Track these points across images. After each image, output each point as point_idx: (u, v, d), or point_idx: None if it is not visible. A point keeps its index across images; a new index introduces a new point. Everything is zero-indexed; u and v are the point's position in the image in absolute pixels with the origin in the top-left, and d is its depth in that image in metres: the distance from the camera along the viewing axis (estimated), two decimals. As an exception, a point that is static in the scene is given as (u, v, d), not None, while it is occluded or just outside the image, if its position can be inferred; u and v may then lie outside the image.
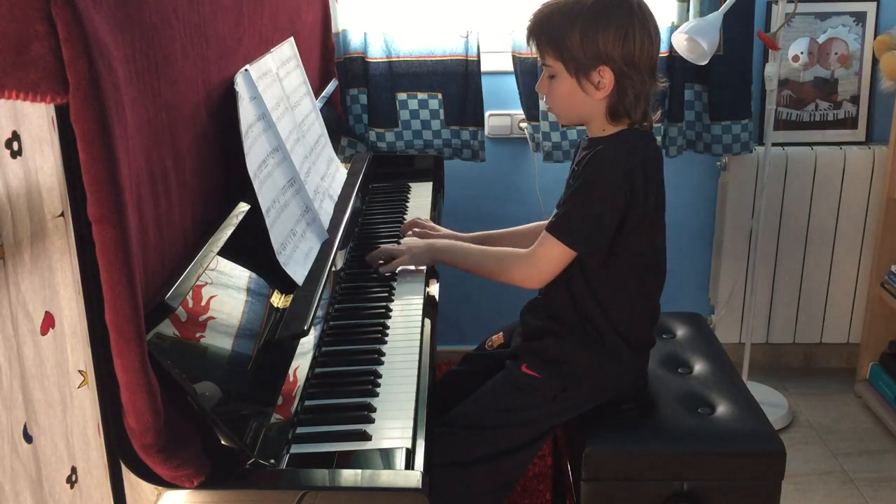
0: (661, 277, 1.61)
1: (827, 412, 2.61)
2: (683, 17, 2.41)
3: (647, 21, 1.48)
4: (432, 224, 1.94)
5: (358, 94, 2.54)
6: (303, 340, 1.34)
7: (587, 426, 1.56)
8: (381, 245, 1.79)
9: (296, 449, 1.18)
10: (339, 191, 1.85)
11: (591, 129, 1.57)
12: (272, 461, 1.12)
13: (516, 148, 2.69)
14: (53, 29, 0.84)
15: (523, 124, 2.61)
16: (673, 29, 2.38)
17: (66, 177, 1.01)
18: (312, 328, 1.36)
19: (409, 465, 1.15)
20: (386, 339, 1.50)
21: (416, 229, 1.90)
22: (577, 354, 1.56)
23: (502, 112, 2.64)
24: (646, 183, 1.49)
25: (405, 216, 2.11)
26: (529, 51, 1.57)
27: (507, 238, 1.85)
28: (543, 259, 1.53)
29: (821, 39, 2.60)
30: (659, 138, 2.48)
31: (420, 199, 2.24)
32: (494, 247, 1.71)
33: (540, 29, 1.51)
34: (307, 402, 1.29)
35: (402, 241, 1.82)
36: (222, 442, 1.08)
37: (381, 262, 1.74)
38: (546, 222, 1.83)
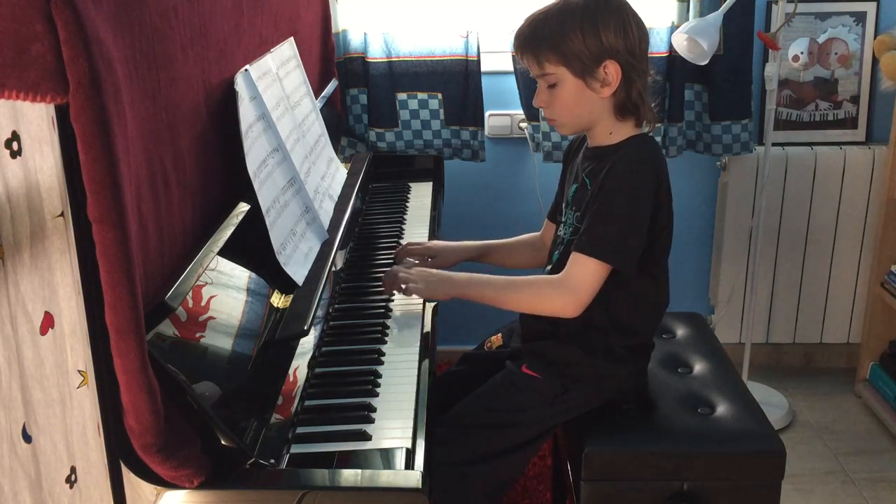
0: (665, 284, 1.60)
1: (827, 412, 2.61)
2: (683, 17, 2.41)
3: (635, 13, 1.50)
4: (427, 244, 1.81)
5: (358, 94, 2.54)
6: (303, 340, 1.34)
7: (587, 426, 1.56)
8: (384, 249, 1.76)
9: (296, 449, 1.18)
10: (339, 191, 1.85)
11: (596, 134, 1.55)
12: (272, 461, 1.12)
13: (516, 148, 2.69)
14: (53, 29, 0.84)
15: (523, 124, 2.61)
16: (673, 29, 2.37)
17: (66, 177, 1.01)
18: (312, 328, 1.36)
19: (409, 464, 1.15)
20: (386, 339, 1.50)
21: (412, 258, 1.76)
22: (578, 357, 1.56)
23: (502, 112, 2.64)
24: (666, 190, 1.49)
25: (405, 216, 2.11)
26: (523, 65, 1.53)
27: (507, 250, 1.83)
28: (580, 281, 1.47)
29: (821, 39, 2.60)
30: (659, 138, 2.48)
31: (420, 199, 2.24)
32: (520, 276, 1.56)
33: (535, 38, 1.49)
34: (307, 402, 1.29)
35: (412, 270, 1.62)
36: (222, 442, 1.08)
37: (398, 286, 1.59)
38: (535, 234, 1.84)
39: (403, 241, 1.93)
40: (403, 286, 1.56)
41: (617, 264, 1.47)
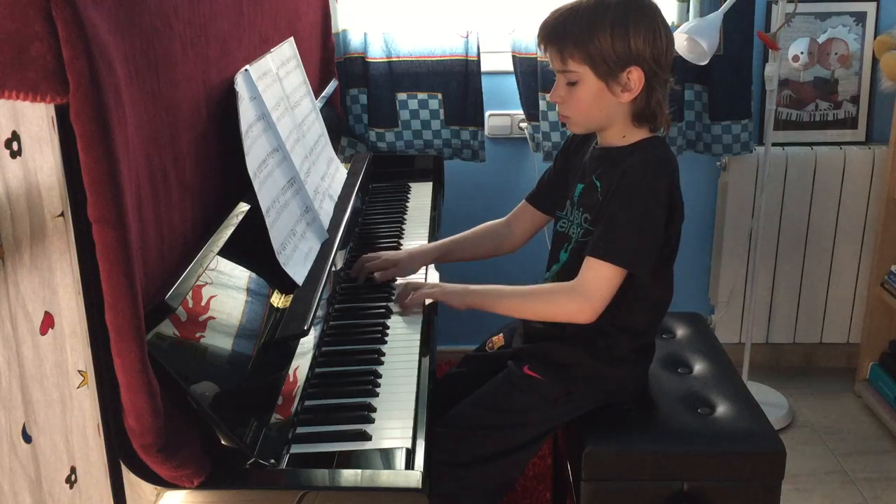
0: (670, 285, 1.59)
1: (827, 412, 2.60)
2: (683, 17, 2.42)
3: (665, 20, 1.48)
4: (387, 255, 1.73)
5: (358, 94, 2.54)
6: (303, 340, 1.34)
7: (587, 426, 1.56)
8: (384, 249, 1.75)
9: (296, 449, 1.18)
10: (339, 191, 1.84)
11: (608, 135, 1.54)
12: (272, 461, 1.12)
13: (516, 148, 2.69)
14: (53, 29, 0.84)
15: (523, 124, 2.61)
16: (673, 29, 2.37)
17: (66, 177, 1.01)
18: (312, 328, 1.36)
19: (409, 465, 1.15)
20: (386, 339, 1.50)
21: (373, 273, 1.70)
22: (581, 359, 1.56)
23: (502, 112, 2.64)
24: (678, 193, 1.49)
25: (405, 216, 2.11)
26: (546, 58, 1.51)
27: (468, 243, 1.81)
28: (596, 286, 1.46)
29: (821, 39, 2.60)
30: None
31: (420, 199, 2.24)
32: (534, 285, 1.57)
33: (562, 33, 1.46)
34: (307, 402, 1.29)
35: (428, 283, 1.65)
36: (222, 442, 1.08)
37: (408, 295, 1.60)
38: (498, 221, 1.83)
39: (403, 241, 1.93)
40: (420, 297, 1.56)
41: (632, 269, 1.46)
